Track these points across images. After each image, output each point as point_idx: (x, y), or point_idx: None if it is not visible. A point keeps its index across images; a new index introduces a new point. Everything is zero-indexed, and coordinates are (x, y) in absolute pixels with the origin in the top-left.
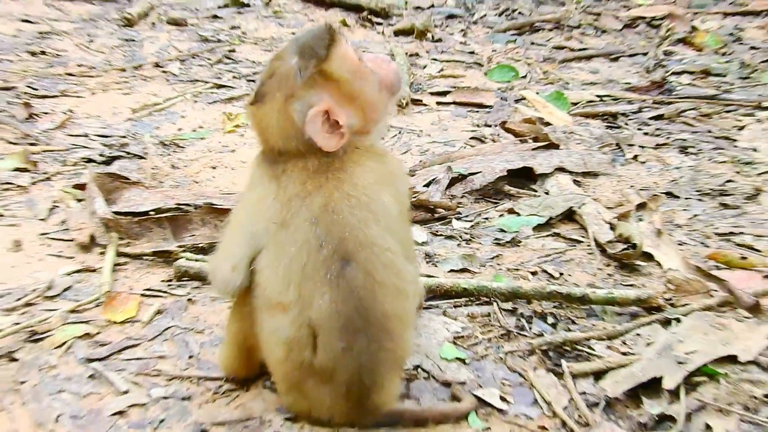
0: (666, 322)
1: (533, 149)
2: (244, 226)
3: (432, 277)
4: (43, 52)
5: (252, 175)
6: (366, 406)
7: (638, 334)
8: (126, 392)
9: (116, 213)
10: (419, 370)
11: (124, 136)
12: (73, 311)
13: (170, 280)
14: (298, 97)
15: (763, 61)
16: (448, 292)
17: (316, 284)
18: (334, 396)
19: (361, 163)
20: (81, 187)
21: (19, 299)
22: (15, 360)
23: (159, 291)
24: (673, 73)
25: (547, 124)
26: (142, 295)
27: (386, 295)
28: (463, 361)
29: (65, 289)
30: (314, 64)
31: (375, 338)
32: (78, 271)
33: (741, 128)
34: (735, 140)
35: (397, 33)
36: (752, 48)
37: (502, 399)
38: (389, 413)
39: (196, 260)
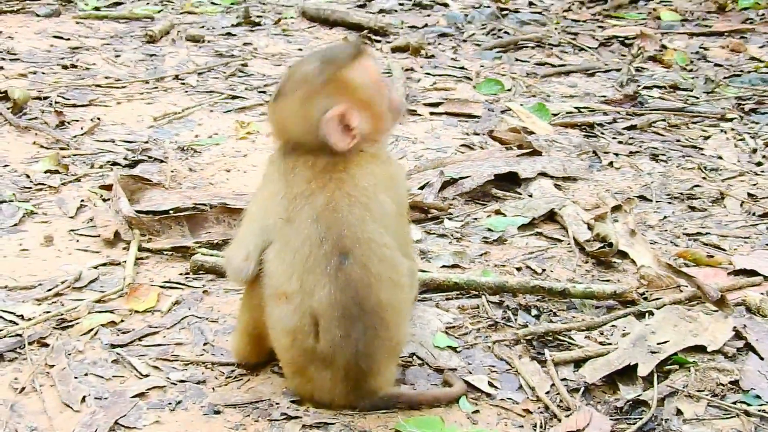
0: (640, 315)
1: (518, 156)
2: (256, 220)
3: (425, 272)
4: (73, 66)
5: (265, 173)
6: (363, 389)
7: (614, 326)
8: (147, 376)
9: (139, 212)
10: (414, 357)
11: (146, 142)
12: (98, 301)
13: (187, 274)
14: (319, 96)
15: (726, 77)
16: (441, 285)
17: (317, 276)
18: (334, 380)
19: (363, 166)
20: (107, 187)
21: (49, 290)
22: (46, 345)
23: (177, 283)
24: (645, 88)
25: (531, 132)
26: (162, 286)
27: (381, 287)
28: (454, 349)
29: (92, 281)
30: (336, 68)
31: (371, 326)
32: (103, 265)
33: (706, 138)
34: (701, 149)
35: (394, 50)
36: (716, 65)
37: (490, 384)
38: (386, 397)
39: (211, 255)
